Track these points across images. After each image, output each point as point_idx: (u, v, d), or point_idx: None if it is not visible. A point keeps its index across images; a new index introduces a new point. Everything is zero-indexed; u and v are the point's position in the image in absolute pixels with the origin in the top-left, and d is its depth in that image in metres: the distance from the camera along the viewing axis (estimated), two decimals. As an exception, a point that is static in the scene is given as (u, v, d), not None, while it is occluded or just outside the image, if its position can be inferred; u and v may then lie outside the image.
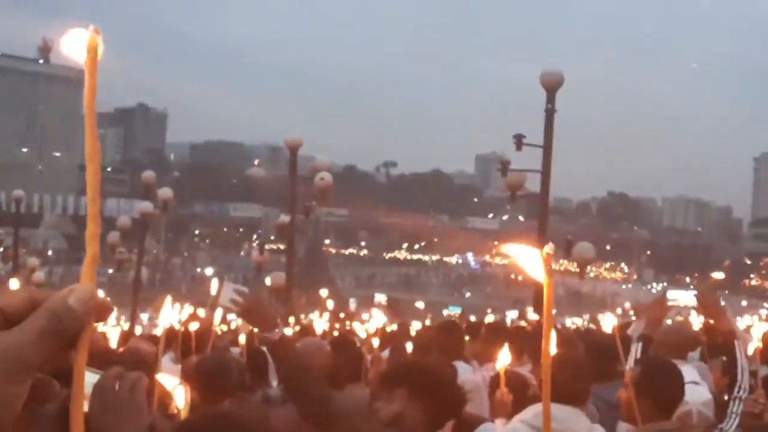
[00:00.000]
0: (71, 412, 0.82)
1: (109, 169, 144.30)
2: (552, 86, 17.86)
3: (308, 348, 5.73)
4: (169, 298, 4.86)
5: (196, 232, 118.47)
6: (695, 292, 6.08)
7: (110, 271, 39.36)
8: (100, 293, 0.84)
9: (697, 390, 4.98)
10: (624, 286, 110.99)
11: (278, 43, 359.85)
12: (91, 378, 2.06)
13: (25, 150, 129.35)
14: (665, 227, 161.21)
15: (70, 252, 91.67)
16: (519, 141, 18.22)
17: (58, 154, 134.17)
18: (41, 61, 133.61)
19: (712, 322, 5.92)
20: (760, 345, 4.93)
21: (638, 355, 5.37)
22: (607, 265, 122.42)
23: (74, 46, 0.81)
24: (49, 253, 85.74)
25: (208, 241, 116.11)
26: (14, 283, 13.27)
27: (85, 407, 2.07)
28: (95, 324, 0.81)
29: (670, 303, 6.70)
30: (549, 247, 1.04)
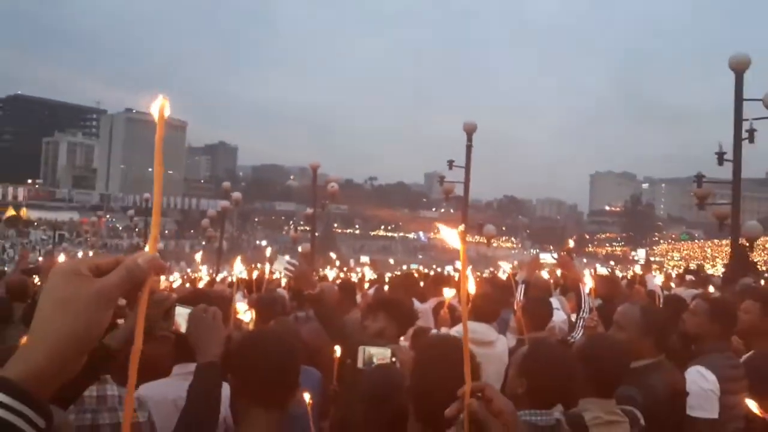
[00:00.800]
0: (136, 330, 0.85)
1: (202, 181, 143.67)
2: (470, 130, 17.82)
3: (325, 289, 5.72)
4: (239, 259, 4.82)
5: (256, 219, 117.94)
6: (555, 255, 6.04)
7: (203, 243, 38.89)
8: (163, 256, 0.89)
9: (558, 314, 4.99)
10: (514, 252, 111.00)
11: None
12: (184, 311, 2.04)
13: (150, 169, 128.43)
14: (538, 216, 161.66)
15: (178, 231, 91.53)
16: (450, 164, 18.22)
17: (170, 172, 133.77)
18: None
19: (566, 272, 5.92)
20: (593, 286, 4.89)
21: (522, 292, 5.35)
22: (504, 239, 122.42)
23: (153, 107, 0.86)
24: (166, 232, 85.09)
25: (262, 226, 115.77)
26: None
27: (183, 329, 2.07)
28: (155, 276, 0.85)
29: (541, 261, 6.67)
30: (461, 227, 1.10)
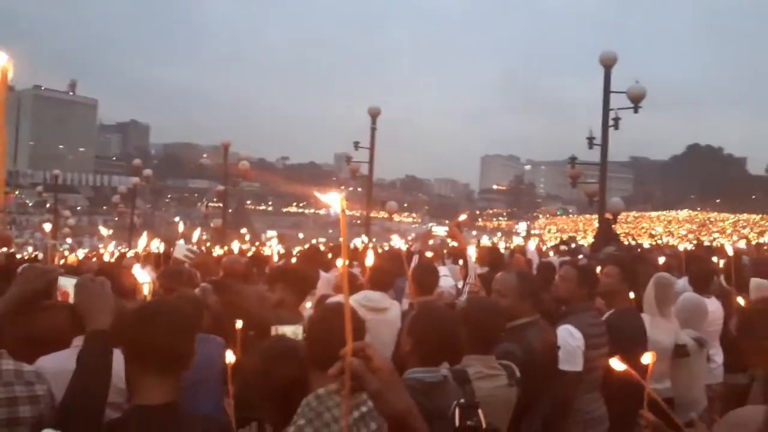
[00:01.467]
0: None
1: (114, 158, 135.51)
2: (374, 114, 17.85)
3: (231, 260, 5.53)
4: (144, 234, 4.57)
5: (169, 196, 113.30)
6: (447, 228, 6.15)
7: (116, 218, 36.88)
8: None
9: (447, 280, 5.07)
10: (414, 226, 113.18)
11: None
12: (70, 281, 1.89)
13: (61, 146, 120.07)
14: (436, 194, 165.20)
15: (90, 207, 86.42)
16: (356, 145, 18.20)
17: (82, 149, 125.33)
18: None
19: (456, 243, 6.04)
20: (478, 255, 5.01)
21: (415, 261, 5.39)
22: (406, 214, 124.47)
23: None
24: (78, 208, 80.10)
25: (175, 203, 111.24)
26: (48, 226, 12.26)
27: (71, 299, 1.91)
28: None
29: (434, 233, 6.77)
30: (342, 195, 1.04)
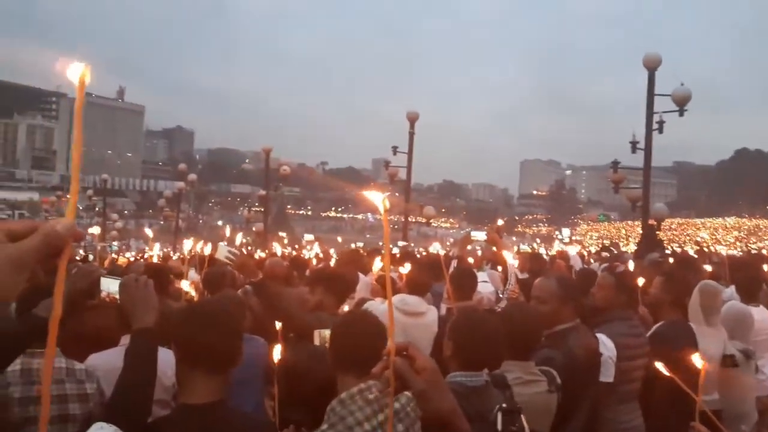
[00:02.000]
0: (55, 295, 0.79)
1: (160, 163, 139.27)
2: (413, 118, 17.86)
3: (273, 263, 5.61)
4: (191, 239, 4.65)
5: (212, 201, 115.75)
6: (486, 233, 6.09)
7: (161, 222, 37.82)
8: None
9: (486, 286, 5.02)
10: (452, 231, 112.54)
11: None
12: (113, 282, 1.96)
13: (109, 152, 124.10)
14: (473, 199, 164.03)
15: (137, 211, 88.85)
16: (394, 150, 18.22)
17: (129, 154, 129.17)
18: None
19: (495, 249, 5.97)
20: (518, 261, 4.94)
21: (454, 266, 5.36)
22: (443, 219, 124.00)
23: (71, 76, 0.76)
24: (125, 212, 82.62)
25: (218, 207, 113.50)
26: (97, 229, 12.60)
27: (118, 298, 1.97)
28: (73, 243, 0.77)
29: (472, 238, 6.69)
30: (386, 195, 1.03)
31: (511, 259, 4.63)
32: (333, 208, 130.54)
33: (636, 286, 3.76)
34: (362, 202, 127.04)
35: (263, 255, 12.37)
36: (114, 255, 13.38)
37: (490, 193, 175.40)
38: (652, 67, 12.11)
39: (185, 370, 1.91)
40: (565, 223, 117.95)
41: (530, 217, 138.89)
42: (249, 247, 16.28)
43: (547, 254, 11.03)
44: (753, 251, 19.48)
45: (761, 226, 75.37)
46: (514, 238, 55.04)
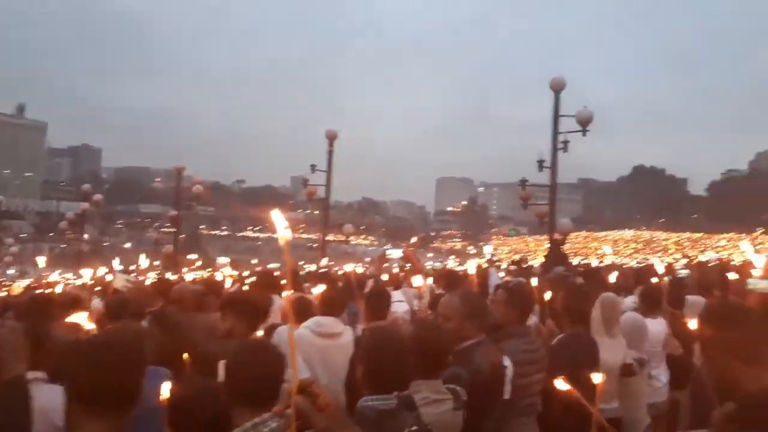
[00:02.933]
0: None
1: (63, 183, 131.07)
2: (331, 137, 17.89)
3: (181, 289, 5.38)
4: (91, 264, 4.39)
5: (119, 222, 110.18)
6: (402, 250, 6.15)
7: (63, 246, 35.55)
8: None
9: (400, 305, 5.06)
10: (371, 248, 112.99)
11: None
12: None
13: (7, 171, 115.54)
14: (392, 216, 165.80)
15: (36, 234, 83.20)
16: (313, 168, 18.15)
17: (29, 174, 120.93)
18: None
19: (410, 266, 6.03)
20: (434, 278, 5.00)
21: (370, 286, 5.37)
22: (363, 237, 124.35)
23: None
24: (21, 235, 77.09)
25: (126, 228, 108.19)
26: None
27: None
28: None
29: (388, 257, 6.75)
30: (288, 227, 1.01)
31: (419, 280, 4.69)
32: (250, 228, 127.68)
33: (531, 300, 3.88)
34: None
35: (175, 278, 11.86)
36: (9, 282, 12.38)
37: (408, 210, 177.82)
38: (557, 89, 12.83)
39: (77, 411, 1.78)
40: (480, 238, 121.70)
41: (446, 233, 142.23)
42: (158, 271, 15.55)
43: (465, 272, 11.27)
44: (649, 262, 20.86)
45: (654, 239, 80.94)
46: (429, 255, 55.76)
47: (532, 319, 4.86)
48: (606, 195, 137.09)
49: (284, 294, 4.48)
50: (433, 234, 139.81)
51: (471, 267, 5.03)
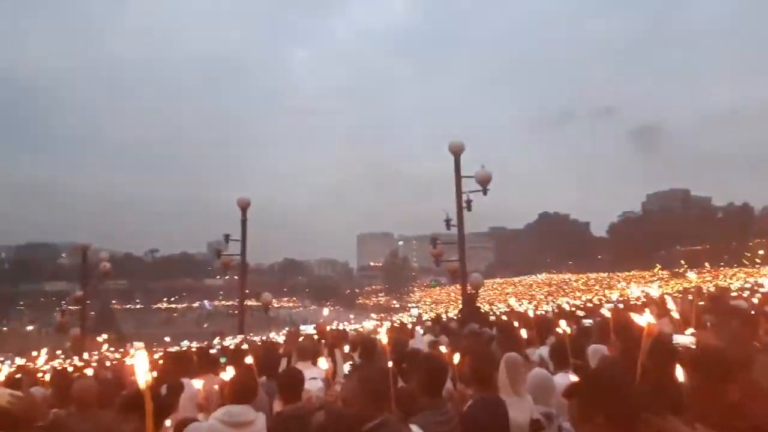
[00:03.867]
0: None
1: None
2: (244, 205, 17.67)
3: (82, 387, 5.01)
4: None
5: (21, 303, 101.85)
6: (315, 325, 6.06)
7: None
8: None
9: (314, 383, 4.97)
10: (295, 310, 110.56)
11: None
12: None
13: None
14: (316, 275, 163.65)
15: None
16: (227, 238, 17.76)
17: None
18: None
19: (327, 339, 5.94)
20: (351, 345, 4.94)
21: (284, 365, 5.23)
22: (286, 299, 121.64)
23: None
24: None
25: (30, 309, 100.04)
26: None
27: None
28: None
29: (301, 332, 6.62)
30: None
31: (324, 363, 4.59)
32: (165, 299, 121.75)
33: (443, 370, 3.92)
34: (198, 290, 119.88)
35: (81, 364, 11.06)
36: None
37: (332, 268, 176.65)
38: (457, 152, 13.42)
39: None
40: (401, 291, 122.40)
41: (369, 289, 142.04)
42: (62, 358, 14.43)
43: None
44: (563, 306, 21.70)
45: (567, 281, 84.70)
46: (351, 316, 55.07)
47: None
48: (516, 241, 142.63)
49: (198, 383, 4.30)
50: (357, 291, 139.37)
51: (383, 334, 5.01)
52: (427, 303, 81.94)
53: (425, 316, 27.38)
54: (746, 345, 4.36)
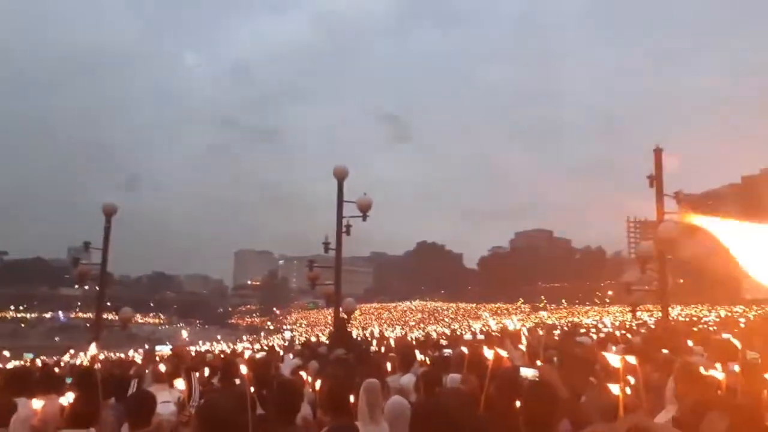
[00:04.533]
0: None
1: None
2: (109, 212, 16.26)
3: None
4: None
5: None
6: (171, 347, 5.79)
7: None
8: None
9: (166, 406, 4.73)
10: (161, 327, 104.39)
11: None
12: None
13: None
14: (186, 291, 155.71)
15: None
16: (86, 246, 16.34)
17: None
18: None
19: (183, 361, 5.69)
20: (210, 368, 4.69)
21: (134, 388, 4.94)
22: (152, 314, 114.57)
23: None
24: None
25: None
26: None
27: None
28: None
29: (157, 353, 6.30)
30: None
31: (181, 383, 4.42)
32: (12, 308, 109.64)
33: (297, 396, 3.92)
34: (53, 299, 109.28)
35: None
36: None
37: (204, 285, 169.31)
38: (340, 177, 13.53)
39: None
40: (281, 312, 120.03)
41: (244, 308, 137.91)
42: None
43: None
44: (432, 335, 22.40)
45: (439, 309, 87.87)
46: (219, 337, 52.78)
47: (306, 409, 4.90)
48: (395, 268, 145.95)
49: (36, 403, 3.90)
50: (231, 310, 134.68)
51: (246, 358, 4.89)
52: (303, 325, 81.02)
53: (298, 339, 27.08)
54: (582, 380, 4.78)
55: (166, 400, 4.81)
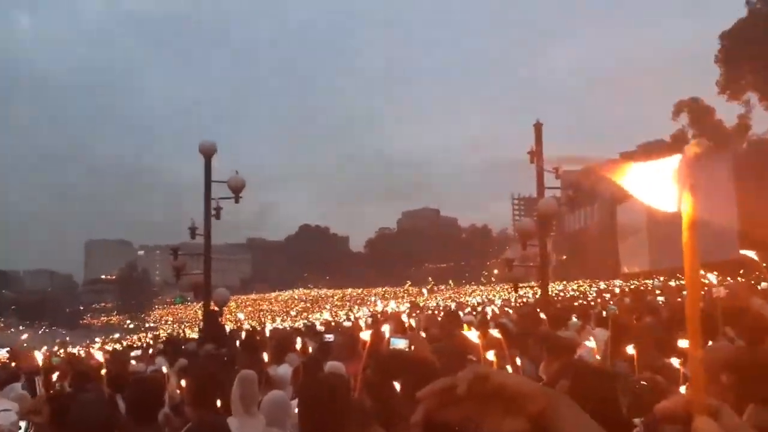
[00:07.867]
0: None
1: None
2: None
3: None
4: None
5: None
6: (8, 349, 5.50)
7: None
8: None
9: (8, 415, 4.49)
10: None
11: None
12: None
13: None
14: (28, 290, 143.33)
15: None
16: None
17: None
18: None
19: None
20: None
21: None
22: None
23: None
24: None
25: None
26: None
27: None
28: None
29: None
30: None
31: (18, 388, 4.25)
32: None
33: (159, 394, 3.94)
34: None
35: None
36: None
37: (51, 281, 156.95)
38: (208, 154, 13.15)
39: None
40: (139, 309, 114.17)
41: (98, 306, 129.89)
42: None
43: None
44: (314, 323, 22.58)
45: (324, 296, 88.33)
46: (67, 339, 49.45)
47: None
48: (275, 254, 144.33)
49: None
50: (82, 308, 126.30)
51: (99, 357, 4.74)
52: (169, 323, 77.86)
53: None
54: (460, 359, 5.16)
55: (6, 408, 4.57)
